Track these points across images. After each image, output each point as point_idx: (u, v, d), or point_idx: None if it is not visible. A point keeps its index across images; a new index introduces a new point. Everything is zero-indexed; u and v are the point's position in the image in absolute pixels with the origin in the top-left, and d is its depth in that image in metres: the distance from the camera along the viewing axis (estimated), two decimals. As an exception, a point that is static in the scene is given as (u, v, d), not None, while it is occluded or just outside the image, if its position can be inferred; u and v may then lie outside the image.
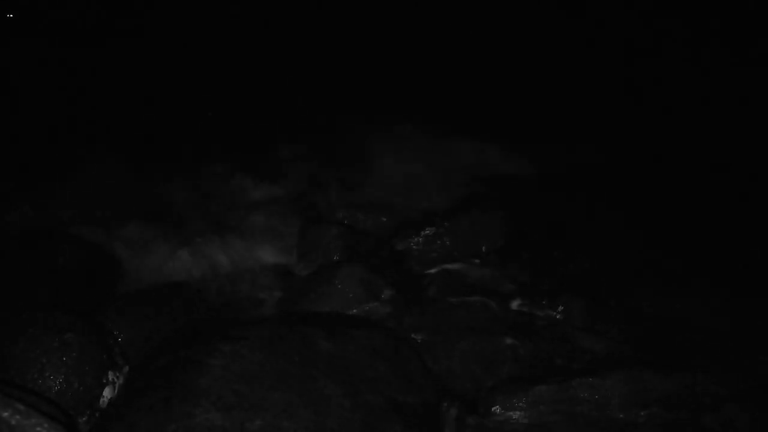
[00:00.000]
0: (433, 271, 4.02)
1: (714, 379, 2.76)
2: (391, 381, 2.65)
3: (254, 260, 4.23)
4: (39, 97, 7.71)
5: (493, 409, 2.69)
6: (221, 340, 2.59)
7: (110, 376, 2.57)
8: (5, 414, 1.78)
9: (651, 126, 6.76)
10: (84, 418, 2.45)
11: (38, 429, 1.79)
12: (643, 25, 9.19)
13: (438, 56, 9.67)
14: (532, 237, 4.33)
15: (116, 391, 2.57)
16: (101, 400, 2.51)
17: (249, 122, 7.66)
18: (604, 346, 3.22)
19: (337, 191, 5.41)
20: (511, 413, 2.62)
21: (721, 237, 4.21)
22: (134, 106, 7.86)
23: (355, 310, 3.37)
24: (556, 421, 2.63)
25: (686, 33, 8.58)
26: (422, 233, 4.10)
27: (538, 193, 5.23)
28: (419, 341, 3.21)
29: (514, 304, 3.63)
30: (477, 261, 4.09)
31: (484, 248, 4.16)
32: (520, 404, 2.63)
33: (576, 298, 3.42)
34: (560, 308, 3.39)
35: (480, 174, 5.62)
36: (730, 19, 8.26)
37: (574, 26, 9.73)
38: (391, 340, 2.99)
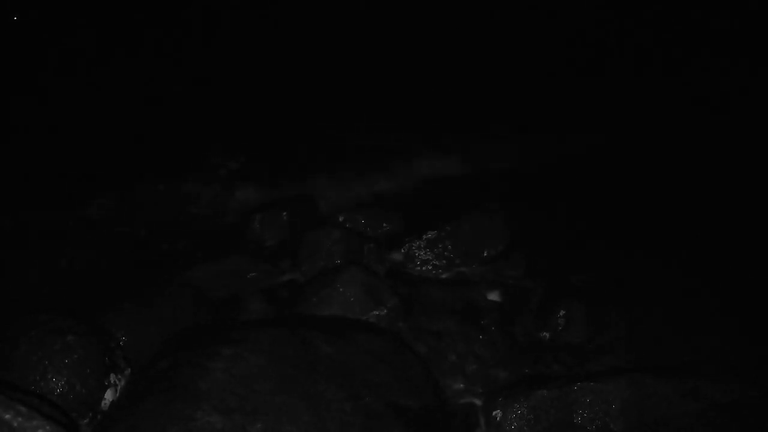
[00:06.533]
0: (434, 274, 4.02)
1: (715, 384, 2.75)
2: (392, 385, 2.65)
3: (257, 263, 4.24)
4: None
5: (493, 414, 2.69)
6: (222, 344, 2.59)
7: (112, 378, 2.58)
8: (7, 416, 1.78)
9: (653, 127, 6.76)
10: (86, 421, 2.46)
11: (40, 431, 1.80)
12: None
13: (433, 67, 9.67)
14: (533, 241, 4.33)
15: (118, 393, 2.58)
16: (103, 402, 2.52)
17: (251, 127, 7.68)
18: (605, 351, 3.22)
19: (339, 195, 5.42)
20: (512, 418, 2.62)
21: (722, 241, 4.20)
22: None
23: (356, 314, 3.37)
24: (558, 426, 2.63)
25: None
26: (424, 237, 4.10)
27: (540, 198, 5.23)
28: (420, 345, 3.21)
29: (516, 309, 3.63)
30: (478, 265, 4.09)
31: (485, 252, 4.15)
32: (521, 409, 2.63)
33: (577, 302, 3.41)
34: (561, 312, 3.39)
35: (481, 178, 5.63)
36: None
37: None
38: (391, 344, 2.99)
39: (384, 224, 4.59)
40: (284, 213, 4.76)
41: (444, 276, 3.99)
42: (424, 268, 4.05)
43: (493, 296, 3.74)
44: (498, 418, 2.65)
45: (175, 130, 7.33)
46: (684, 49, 8.43)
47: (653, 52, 8.64)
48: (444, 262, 4.07)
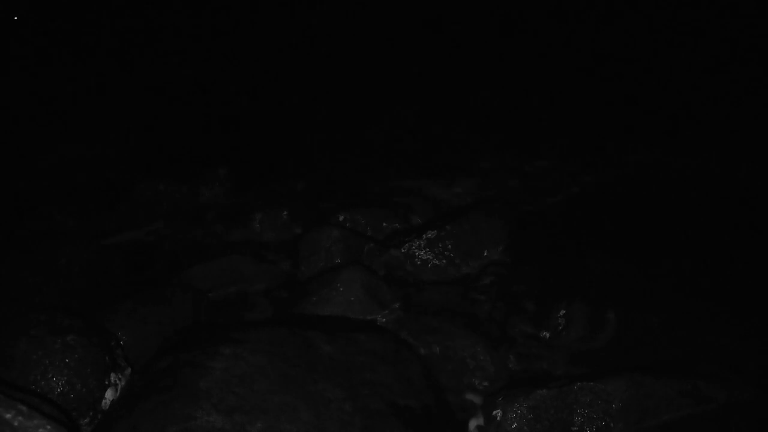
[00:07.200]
0: (435, 274, 4.02)
1: (716, 385, 2.76)
2: (392, 384, 2.65)
3: (256, 262, 4.24)
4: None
5: (493, 413, 2.69)
6: (222, 343, 2.60)
7: (112, 378, 2.58)
8: (8, 415, 1.78)
9: (655, 129, 6.76)
10: (86, 420, 2.46)
11: (41, 430, 1.80)
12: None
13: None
14: (533, 241, 4.33)
15: (118, 393, 2.58)
16: (103, 401, 2.52)
17: (252, 126, 7.68)
18: (605, 350, 3.23)
19: (339, 194, 5.42)
20: (512, 418, 2.62)
21: (723, 242, 4.20)
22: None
23: (356, 314, 3.38)
24: (558, 425, 2.63)
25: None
26: (424, 236, 4.10)
27: (540, 198, 5.23)
28: (420, 345, 3.21)
29: (516, 309, 3.63)
30: (479, 265, 4.09)
31: (485, 252, 4.16)
32: (521, 409, 2.63)
33: (577, 302, 3.41)
34: (561, 312, 3.39)
35: (482, 179, 5.63)
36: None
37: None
38: (391, 343, 2.99)
39: (384, 223, 4.59)
40: (284, 213, 4.77)
41: (444, 276, 4.00)
42: (424, 268, 4.05)
43: (494, 296, 3.74)
44: (498, 418, 2.65)
45: (176, 129, 7.33)
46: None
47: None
48: (444, 261, 4.07)
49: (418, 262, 4.06)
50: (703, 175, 5.41)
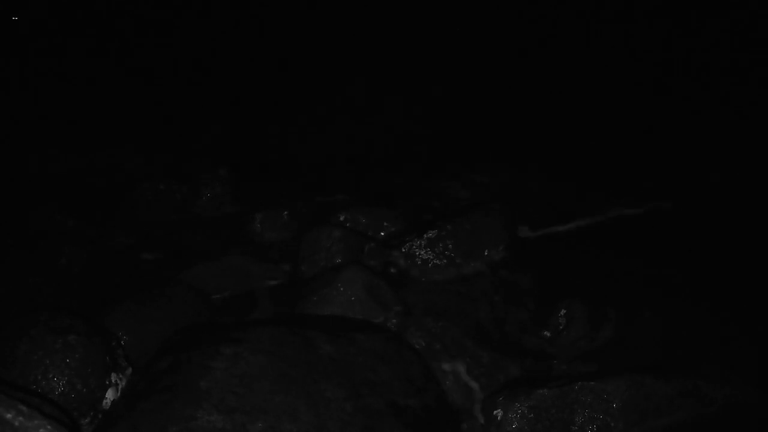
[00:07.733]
0: (435, 274, 4.02)
1: (715, 384, 2.76)
2: (393, 384, 2.66)
3: (257, 262, 4.24)
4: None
5: (494, 413, 2.70)
6: (223, 343, 2.60)
7: (113, 378, 2.58)
8: (8, 415, 1.78)
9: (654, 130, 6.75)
10: (87, 420, 2.46)
11: (41, 430, 1.80)
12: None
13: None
14: (533, 241, 4.33)
15: (119, 393, 2.58)
16: (104, 402, 2.52)
17: (252, 126, 7.68)
18: (605, 350, 3.23)
19: (339, 193, 5.42)
20: (513, 417, 2.63)
21: (723, 242, 4.21)
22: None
23: (356, 314, 3.38)
24: (558, 425, 2.63)
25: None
26: (425, 236, 4.10)
27: (540, 198, 5.23)
28: (421, 344, 3.21)
29: (517, 308, 3.63)
30: (479, 264, 4.09)
31: (486, 252, 4.16)
32: (522, 408, 2.63)
33: (578, 302, 3.42)
34: (562, 312, 3.40)
35: (482, 180, 5.63)
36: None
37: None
38: (392, 343, 3.00)
39: (384, 223, 4.59)
40: (285, 212, 4.77)
41: (445, 275, 3.99)
42: (424, 268, 4.05)
43: (494, 296, 3.74)
44: (499, 418, 2.66)
45: (176, 129, 7.33)
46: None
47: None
48: (445, 261, 4.07)
49: (419, 262, 4.06)
50: (702, 176, 5.41)
